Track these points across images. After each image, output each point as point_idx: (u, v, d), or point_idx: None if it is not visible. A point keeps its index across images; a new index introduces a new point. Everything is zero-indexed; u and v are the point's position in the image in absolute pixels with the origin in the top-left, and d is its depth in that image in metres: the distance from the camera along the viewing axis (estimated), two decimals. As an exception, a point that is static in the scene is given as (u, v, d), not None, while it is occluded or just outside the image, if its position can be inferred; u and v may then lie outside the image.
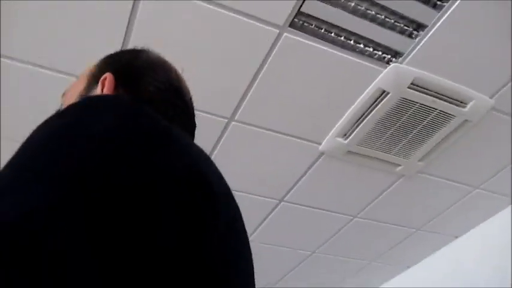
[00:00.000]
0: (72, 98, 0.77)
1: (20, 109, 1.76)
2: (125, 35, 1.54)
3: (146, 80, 0.76)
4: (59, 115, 0.55)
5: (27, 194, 0.41)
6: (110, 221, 0.44)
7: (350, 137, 1.95)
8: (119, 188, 0.46)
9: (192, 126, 0.83)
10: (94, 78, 0.77)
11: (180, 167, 0.55)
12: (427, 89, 1.74)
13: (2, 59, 1.58)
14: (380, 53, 1.66)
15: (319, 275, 3.09)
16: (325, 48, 1.61)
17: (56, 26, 1.50)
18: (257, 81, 1.71)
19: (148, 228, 0.46)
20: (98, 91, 0.74)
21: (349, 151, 2.02)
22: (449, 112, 1.82)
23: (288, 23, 1.52)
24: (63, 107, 0.79)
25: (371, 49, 1.65)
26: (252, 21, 1.51)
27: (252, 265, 0.67)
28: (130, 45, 1.57)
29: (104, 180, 0.46)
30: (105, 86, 0.73)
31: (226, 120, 1.87)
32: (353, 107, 1.84)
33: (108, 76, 0.74)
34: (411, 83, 1.71)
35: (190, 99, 0.84)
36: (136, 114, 0.58)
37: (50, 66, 1.62)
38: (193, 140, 0.82)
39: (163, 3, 1.45)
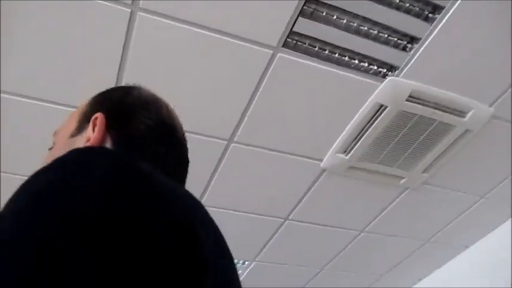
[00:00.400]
0: (64, 138, 0.77)
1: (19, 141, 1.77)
2: (120, 65, 1.55)
3: (137, 119, 0.75)
4: (44, 171, 0.54)
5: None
6: None
7: (351, 153, 1.93)
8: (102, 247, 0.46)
9: (185, 161, 0.81)
10: (85, 117, 0.77)
11: (163, 220, 0.54)
12: (425, 101, 1.73)
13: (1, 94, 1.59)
14: (375, 67, 1.66)
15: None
16: (320, 65, 1.61)
17: (54, 60, 1.51)
18: (254, 102, 1.71)
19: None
20: (89, 131, 0.73)
21: (351, 167, 2.01)
22: (449, 122, 1.81)
23: (281, 43, 1.53)
24: (55, 146, 0.79)
25: (366, 64, 1.65)
26: (244, 44, 1.52)
27: None
28: (125, 74, 1.58)
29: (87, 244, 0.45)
30: (97, 126, 0.73)
31: (226, 142, 1.87)
32: (352, 122, 1.83)
33: (99, 116, 0.74)
34: (409, 96, 1.70)
35: (183, 135, 0.82)
36: (122, 169, 0.57)
37: (46, 99, 1.64)
38: (186, 175, 0.81)
39: (156, 32, 1.46)
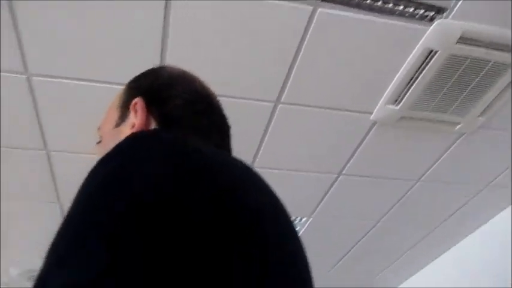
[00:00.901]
0: (109, 129, 0.81)
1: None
2: (162, 36, 1.57)
3: (173, 95, 0.78)
4: (106, 159, 0.57)
5: (91, 258, 0.43)
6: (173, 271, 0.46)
7: (402, 103, 1.88)
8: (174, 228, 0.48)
9: (227, 128, 0.84)
10: (124, 105, 0.80)
11: (205, 194, 0.55)
12: (477, 41, 1.64)
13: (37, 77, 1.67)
14: (422, 11, 1.58)
15: (388, 242, 3.06)
16: (362, 16, 1.56)
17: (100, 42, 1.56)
18: (298, 60, 1.69)
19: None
20: (131, 117, 0.77)
21: (402, 117, 1.96)
22: (505, 62, 1.71)
23: (321, -3, 1.49)
24: (102, 140, 0.83)
25: (412, 9, 1.57)
26: (284, 2, 1.49)
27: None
28: (169, 48, 1.60)
29: (161, 226, 0.47)
30: (138, 111, 0.76)
31: (273, 104, 1.88)
32: (401, 71, 1.77)
33: (138, 101, 0.77)
34: (460, 38, 1.62)
35: (218, 102, 0.85)
36: (172, 149, 0.59)
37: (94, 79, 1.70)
38: (229, 141, 0.83)
39: (194, 4, 1.46)
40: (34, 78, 1.68)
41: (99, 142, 0.84)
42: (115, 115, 0.81)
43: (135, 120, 0.75)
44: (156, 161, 0.55)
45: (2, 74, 1.65)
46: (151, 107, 0.76)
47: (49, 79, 1.69)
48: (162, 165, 0.54)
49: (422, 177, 2.44)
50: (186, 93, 0.79)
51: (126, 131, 0.76)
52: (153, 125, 0.75)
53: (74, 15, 1.47)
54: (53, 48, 1.57)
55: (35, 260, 2.90)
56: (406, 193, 2.56)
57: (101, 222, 0.47)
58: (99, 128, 0.86)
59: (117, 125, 0.80)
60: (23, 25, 1.49)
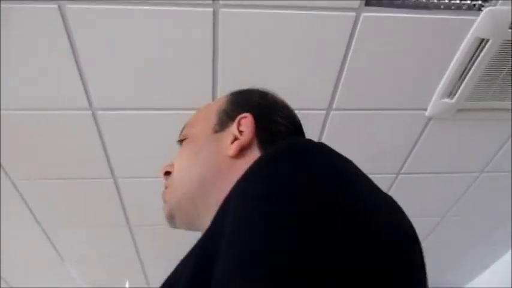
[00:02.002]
0: (205, 132, 0.78)
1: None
2: (213, 49, 1.63)
3: (276, 120, 0.78)
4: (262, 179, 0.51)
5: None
6: None
7: (457, 95, 1.85)
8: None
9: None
10: (226, 115, 0.79)
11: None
12: (531, 24, 1.59)
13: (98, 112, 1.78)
14: (469, 1, 1.56)
15: (453, 240, 2.97)
16: (408, 14, 1.56)
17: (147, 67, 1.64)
18: (346, 66, 1.71)
19: None
20: (233, 129, 0.75)
21: (459, 109, 1.92)
22: None
23: (363, 3, 1.50)
24: (191, 139, 0.80)
25: (458, 1, 1.55)
26: (326, 13, 1.51)
27: None
28: (219, 66, 1.66)
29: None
30: (243, 126, 0.75)
31: (325, 112, 1.89)
32: (452, 63, 1.74)
33: (248, 116, 0.75)
34: (511, 23, 1.57)
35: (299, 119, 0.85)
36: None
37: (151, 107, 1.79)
38: None
39: (240, 23, 1.51)
40: (99, 112, 1.79)
41: (183, 140, 0.82)
42: (212, 119, 0.80)
43: (238, 133, 0.74)
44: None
45: (69, 112, 1.78)
46: (257, 127, 0.75)
47: (112, 112, 1.80)
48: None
49: (486, 169, 2.36)
50: (286, 119, 0.80)
51: (225, 141, 0.75)
52: (254, 145, 0.74)
53: (128, 46, 1.57)
54: (114, 82, 1.67)
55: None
56: (470, 187, 2.48)
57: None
58: (187, 125, 0.85)
59: (216, 131, 0.78)
60: (85, 64, 1.60)
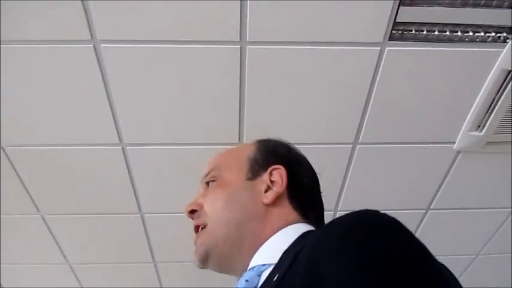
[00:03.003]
0: (238, 177, 0.83)
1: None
2: (240, 85, 1.67)
3: (301, 173, 0.84)
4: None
5: None
6: None
7: (485, 128, 1.82)
8: None
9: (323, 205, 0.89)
10: (257, 164, 0.84)
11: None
12: (558, 55, 1.58)
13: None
14: (493, 34, 1.57)
15: (488, 276, 2.84)
16: (432, 48, 1.57)
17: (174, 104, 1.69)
18: (371, 100, 1.72)
19: None
20: (265, 178, 0.81)
21: (488, 142, 1.89)
22: None
23: (387, 37, 1.52)
24: (220, 181, 0.84)
25: (482, 34, 1.56)
26: (350, 48, 1.54)
27: None
28: (246, 103, 1.70)
29: None
30: (275, 176, 0.81)
31: (351, 146, 1.89)
32: (479, 96, 1.73)
33: (282, 169, 0.82)
34: (538, 54, 1.57)
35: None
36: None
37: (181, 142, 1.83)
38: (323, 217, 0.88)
39: (266, 58, 1.55)
40: (128, 147, 1.84)
41: (210, 181, 0.85)
42: (244, 166, 0.84)
43: (270, 183, 0.80)
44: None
45: (99, 147, 1.83)
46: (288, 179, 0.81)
47: (141, 147, 1.84)
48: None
49: (519, 204, 2.29)
50: (309, 173, 0.86)
51: (259, 189, 0.80)
52: (285, 195, 0.80)
53: (157, 83, 1.62)
54: (144, 118, 1.72)
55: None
56: (504, 222, 2.40)
57: None
58: (214, 168, 0.87)
59: (250, 178, 0.82)
60: (117, 100, 1.66)
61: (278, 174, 0.81)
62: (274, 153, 0.86)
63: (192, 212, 0.84)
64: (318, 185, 0.88)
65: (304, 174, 0.84)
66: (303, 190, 0.83)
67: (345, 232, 0.56)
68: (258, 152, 0.86)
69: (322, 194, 0.88)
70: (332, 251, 0.54)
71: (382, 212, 0.59)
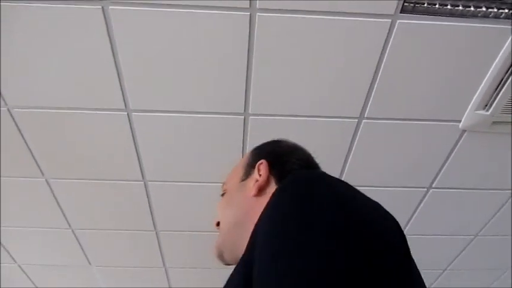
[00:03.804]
0: (235, 183, 0.97)
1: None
2: (248, 53, 1.66)
3: (291, 160, 0.95)
4: (275, 206, 0.68)
5: None
6: None
7: (492, 107, 1.81)
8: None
9: None
10: (250, 165, 0.97)
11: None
12: None
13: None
14: (507, 10, 1.54)
15: (486, 257, 2.87)
16: (444, 22, 1.55)
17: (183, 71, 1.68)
18: (379, 74, 1.70)
19: None
20: (255, 174, 0.93)
21: (494, 122, 1.88)
22: None
23: (399, 9, 1.50)
24: (227, 192, 1.00)
25: (495, 9, 1.54)
26: (361, 18, 1.52)
27: None
28: (253, 74, 1.69)
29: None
30: (262, 170, 0.92)
31: (357, 120, 1.89)
32: (489, 74, 1.72)
33: (263, 161, 0.94)
34: (551, 33, 1.55)
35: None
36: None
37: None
38: None
39: (275, 28, 1.54)
40: (134, 113, 1.84)
41: (223, 194, 1.01)
42: (240, 173, 0.98)
43: (258, 176, 0.92)
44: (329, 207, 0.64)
45: (105, 112, 1.83)
46: (273, 168, 0.93)
47: (146, 114, 1.84)
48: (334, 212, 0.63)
49: (522, 186, 2.29)
50: (301, 160, 0.96)
51: (249, 184, 0.93)
52: (273, 183, 0.91)
53: (166, 48, 1.61)
54: (151, 83, 1.72)
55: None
56: (504, 204, 2.41)
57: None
58: (224, 183, 1.03)
59: (242, 179, 0.96)
60: (124, 65, 1.65)
61: (262, 167, 0.92)
62: (262, 151, 1.00)
63: (218, 224, 0.98)
64: (314, 167, 0.97)
65: (294, 161, 0.95)
66: (292, 171, 0.91)
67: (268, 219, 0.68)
68: (251, 156, 1.01)
69: (324, 169, 0.96)
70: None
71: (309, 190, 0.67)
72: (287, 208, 0.64)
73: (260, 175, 0.92)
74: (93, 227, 2.56)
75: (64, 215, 2.46)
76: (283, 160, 0.95)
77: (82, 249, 2.77)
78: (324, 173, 0.77)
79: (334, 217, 0.61)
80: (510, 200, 2.38)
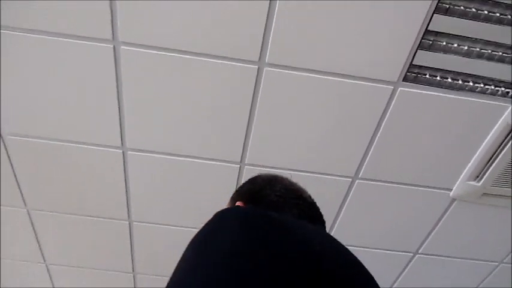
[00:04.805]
0: None
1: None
2: (251, 105, 1.68)
3: (267, 194, 0.94)
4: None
5: None
6: None
7: (483, 179, 1.85)
8: None
9: (318, 213, 0.98)
10: None
11: (296, 252, 0.66)
12: None
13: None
14: (503, 89, 1.61)
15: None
16: (443, 94, 1.60)
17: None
18: (377, 137, 1.74)
19: None
20: None
21: (484, 193, 1.91)
22: None
23: (401, 78, 1.56)
24: None
25: (492, 87, 1.60)
26: (365, 83, 1.57)
27: None
28: (254, 128, 1.70)
29: None
30: None
31: (350, 180, 1.90)
32: (482, 147, 1.76)
33: (238, 204, 0.94)
34: (544, 114, 1.61)
35: (309, 196, 0.99)
36: (253, 216, 0.71)
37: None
38: (323, 223, 0.98)
39: (281, 84, 1.57)
40: (129, 152, 1.82)
41: None
42: None
43: None
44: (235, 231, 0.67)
45: (100, 148, 1.81)
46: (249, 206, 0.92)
47: (142, 154, 1.82)
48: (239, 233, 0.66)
49: (505, 259, 2.30)
50: (277, 191, 0.95)
51: None
52: None
53: (170, 93, 1.62)
54: (150, 125, 1.71)
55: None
56: (488, 276, 2.41)
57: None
58: None
59: None
60: (127, 104, 1.65)
61: None
62: (238, 193, 1.00)
63: None
64: (295, 196, 0.95)
65: (272, 193, 0.94)
66: (270, 204, 0.92)
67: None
68: (230, 201, 1.01)
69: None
70: None
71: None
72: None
73: None
74: (69, 263, 2.46)
75: (40, 248, 2.36)
76: (259, 196, 0.94)
77: (52, 285, 2.65)
78: (263, 213, 0.77)
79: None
80: (494, 271, 2.38)
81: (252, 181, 1.02)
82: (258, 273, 0.59)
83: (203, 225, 0.71)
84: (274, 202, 0.92)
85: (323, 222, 0.98)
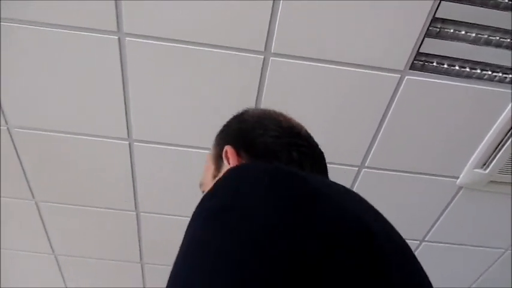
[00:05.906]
0: (209, 182, 0.83)
1: (170, 185, 1.96)
2: (257, 96, 1.67)
3: (260, 135, 0.81)
4: (211, 196, 0.62)
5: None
6: None
7: (490, 167, 1.84)
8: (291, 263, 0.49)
9: (319, 155, 0.87)
10: (218, 157, 0.84)
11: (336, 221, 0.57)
12: None
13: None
14: (511, 76, 1.60)
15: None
16: (450, 82, 1.59)
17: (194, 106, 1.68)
18: (384, 126, 1.73)
19: None
20: (225, 165, 0.80)
21: (491, 181, 1.91)
22: None
23: (408, 66, 1.54)
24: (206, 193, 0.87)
25: (500, 74, 1.59)
26: (372, 71, 1.56)
27: None
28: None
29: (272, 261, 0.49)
30: (229, 158, 0.79)
31: (357, 168, 1.90)
32: (489, 135, 1.76)
33: (228, 149, 0.80)
34: (552, 101, 1.60)
35: (306, 131, 0.88)
36: (278, 180, 0.60)
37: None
38: (325, 168, 0.87)
39: (286, 73, 1.56)
40: (135, 143, 1.82)
41: None
42: (212, 168, 0.85)
43: (228, 166, 0.79)
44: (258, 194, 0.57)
45: (106, 140, 1.81)
46: (241, 151, 0.80)
47: (148, 145, 1.83)
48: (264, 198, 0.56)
49: (512, 246, 2.31)
50: (272, 130, 0.81)
51: None
52: (248, 160, 0.79)
53: (176, 84, 1.62)
54: (156, 116, 1.71)
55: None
56: (495, 262, 2.41)
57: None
58: (201, 185, 0.90)
59: (215, 176, 0.83)
60: (132, 95, 1.65)
61: (230, 156, 0.80)
62: (225, 137, 0.87)
63: None
64: (292, 135, 0.83)
65: (265, 134, 0.81)
66: (266, 148, 0.79)
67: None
68: (215, 145, 0.88)
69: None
70: None
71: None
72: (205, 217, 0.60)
73: (229, 164, 0.79)
74: (77, 254, 2.49)
75: (48, 239, 2.39)
76: (252, 137, 0.81)
77: (62, 276, 2.67)
78: (275, 167, 0.66)
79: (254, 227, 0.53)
80: (501, 258, 2.38)
81: (239, 118, 0.88)
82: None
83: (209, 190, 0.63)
84: (270, 145, 0.79)
85: (325, 165, 0.88)
